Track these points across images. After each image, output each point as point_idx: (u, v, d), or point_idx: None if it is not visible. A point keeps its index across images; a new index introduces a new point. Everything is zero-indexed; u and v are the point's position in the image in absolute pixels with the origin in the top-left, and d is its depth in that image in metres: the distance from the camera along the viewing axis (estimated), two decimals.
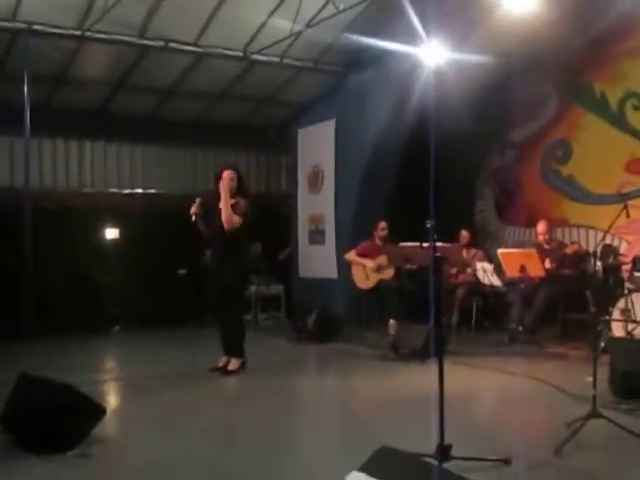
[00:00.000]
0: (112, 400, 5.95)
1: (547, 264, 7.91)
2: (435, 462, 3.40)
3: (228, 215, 6.38)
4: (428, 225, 3.75)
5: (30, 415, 4.28)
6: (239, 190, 6.63)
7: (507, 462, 3.70)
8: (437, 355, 3.85)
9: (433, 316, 7.10)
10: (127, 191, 10.80)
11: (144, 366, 7.30)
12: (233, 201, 6.51)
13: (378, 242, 9.08)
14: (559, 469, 3.71)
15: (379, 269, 8.89)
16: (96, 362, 7.82)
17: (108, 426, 4.60)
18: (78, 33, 8.12)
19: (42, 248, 8.70)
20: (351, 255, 9.22)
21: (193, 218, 6.54)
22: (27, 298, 8.28)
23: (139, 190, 10.88)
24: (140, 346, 9.00)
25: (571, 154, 9.37)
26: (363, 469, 2.80)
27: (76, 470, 3.86)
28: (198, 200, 6.58)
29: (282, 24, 8.32)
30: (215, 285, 6.69)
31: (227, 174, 6.54)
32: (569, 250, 8.05)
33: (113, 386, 6.58)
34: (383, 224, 9.12)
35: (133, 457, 4.16)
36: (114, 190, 10.70)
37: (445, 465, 3.42)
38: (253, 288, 10.59)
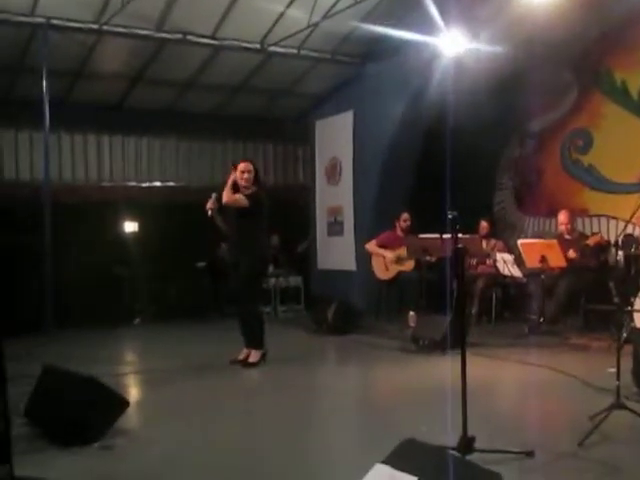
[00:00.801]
0: (134, 392, 6.00)
1: (571, 254, 7.82)
2: (459, 454, 3.39)
3: (227, 193, 6.41)
4: (450, 216, 3.72)
5: (54, 407, 4.32)
6: (255, 182, 6.64)
7: (530, 454, 3.69)
8: (458, 347, 3.83)
9: (452, 308, 7.09)
10: (145, 184, 10.85)
11: (165, 358, 7.34)
12: (248, 192, 6.55)
13: (399, 233, 9.05)
14: (583, 461, 3.68)
15: (399, 260, 8.86)
16: (117, 354, 7.88)
17: (131, 418, 4.64)
18: (96, 27, 8.16)
19: (62, 242, 8.76)
20: (371, 245, 9.20)
21: (209, 213, 6.57)
22: (48, 291, 8.35)
23: (157, 183, 10.93)
24: (161, 338, 9.05)
25: (592, 143, 9.28)
26: (387, 462, 2.79)
27: (100, 461, 3.90)
28: (213, 195, 6.61)
29: (299, 15, 8.30)
30: (232, 278, 6.73)
31: (242, 166, 6.58)
32: (591, 241, 7.96)
33: (135, 378, 6.62)
34: (406, 215, 9.06)
35: (156, 448, 4.18)
36: (133, 183, 10.76)
37: (468, 457, 3.41)
38: (272, 280, 10.62)
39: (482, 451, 3.56)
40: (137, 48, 8.86)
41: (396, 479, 2.64)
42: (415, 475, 2.61)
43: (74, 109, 9.66)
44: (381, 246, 9.09)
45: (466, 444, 3.53)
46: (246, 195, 6.49)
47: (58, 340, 8.00)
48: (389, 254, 8.95)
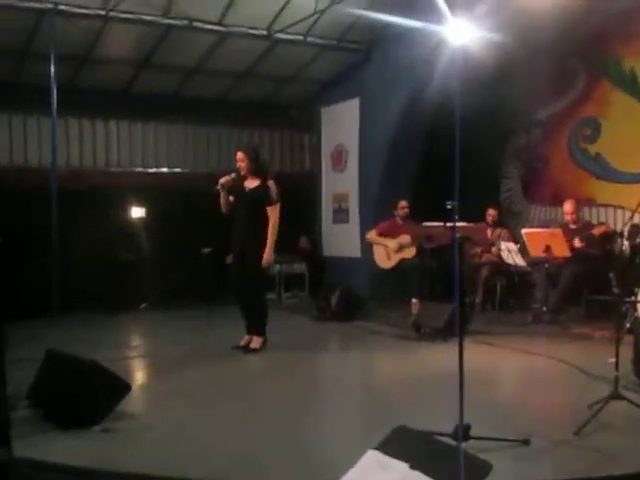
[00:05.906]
0: (138, 376, 6.05)
1: (577, 243, 7.81)
2: (453, 442, 3.42)
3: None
4: (449, 206, 3.74)
5: (56, 391, 4.38)
6: (254, 170, 6.62)
7: (526, 442, 3.71)
8: (458, 334, 3.85)
9: (457, 296, 7.08)
10: (152, 170, 10.87)
11: (169, 343, 7.41)
12: (256, 183, 6.57)
13: (399, 221, 9.09)
14: (579, 449, 3.70)
15: (401, 248, 8.88)
16: (123, 339, 7.94)
17: (133, 402, 4.68)
18: (103, 13, 8.17)
19: (70, 227, 8.80)
20: (372, 235, 9.23)
21: (217, 187, 6.53)
22: (54, 276, 8.40)
23: (164, 169, 10.95)
24: (166, 323, 9.11)
25: (600, 132, 9.22)
26: (379, 448, 2.82)
27: (100, 444, 3.93)
28: (234, 174, 6.60)
29: (306, 2, 8.27)
30: (236, 265, 6.73)
31: (237, 156, 6.62)
32: (596, 231, 7.92)
33: (138, 363, 6.68)
34: (403, 203, 9.14)
35: (157, 432, 4.22)
36: (140, 169, 10.78)
37: (463, 445, 3.43)
38: (277, 267, 10.65)
39: (478, 438, 3.59)
40: (144, 34, 8.86)
41: (387, 465, 2.67)
42: (406, 462, 2.64)
43: (82, 94, 9.67)
44: (382, 235, 9.12)
45: (461, 431, 3.55)
46: (252, 189, 6.54)
47: (64, 324, 8.06)
48: (391, 243, 8.97)
